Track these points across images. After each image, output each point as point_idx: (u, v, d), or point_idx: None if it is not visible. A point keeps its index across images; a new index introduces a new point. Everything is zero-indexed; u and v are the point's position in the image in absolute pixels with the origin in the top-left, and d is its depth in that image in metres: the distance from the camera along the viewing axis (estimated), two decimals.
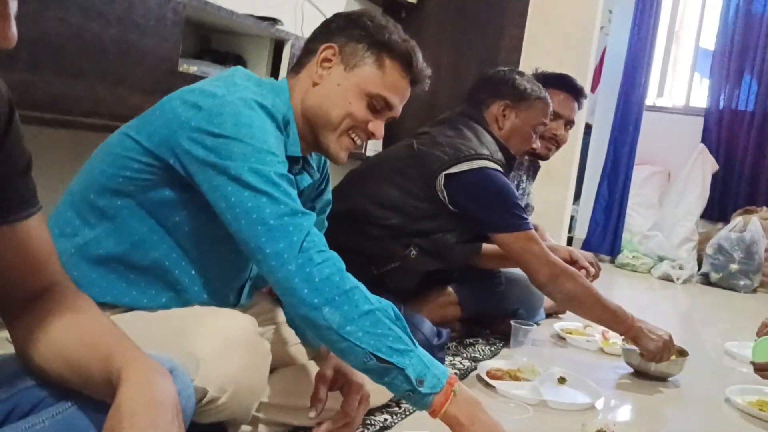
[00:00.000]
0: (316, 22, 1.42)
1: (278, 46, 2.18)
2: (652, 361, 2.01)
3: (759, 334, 2.41)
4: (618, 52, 5.03)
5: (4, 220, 0.84)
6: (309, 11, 2.65)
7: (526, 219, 1.98)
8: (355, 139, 1.33)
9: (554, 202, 3.82)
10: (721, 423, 1.90)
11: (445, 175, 1.93)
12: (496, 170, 1.98)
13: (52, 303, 0.86)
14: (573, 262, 2.13)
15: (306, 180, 1.38)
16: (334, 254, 1.14)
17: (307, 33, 2.37)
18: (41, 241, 0.88)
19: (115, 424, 0.72)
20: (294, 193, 1.16)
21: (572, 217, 5.07)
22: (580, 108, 2.60)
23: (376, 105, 1.31)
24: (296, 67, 1.37)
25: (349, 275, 1.13)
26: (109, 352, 0.78)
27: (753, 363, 2.05)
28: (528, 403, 1.75)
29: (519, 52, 3.50)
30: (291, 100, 1.32)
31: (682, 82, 5.57)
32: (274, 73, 2.18)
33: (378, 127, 1.32)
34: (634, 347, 2.06)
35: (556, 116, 2.44)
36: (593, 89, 5.16)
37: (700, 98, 5.33)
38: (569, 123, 2.54)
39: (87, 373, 0.79)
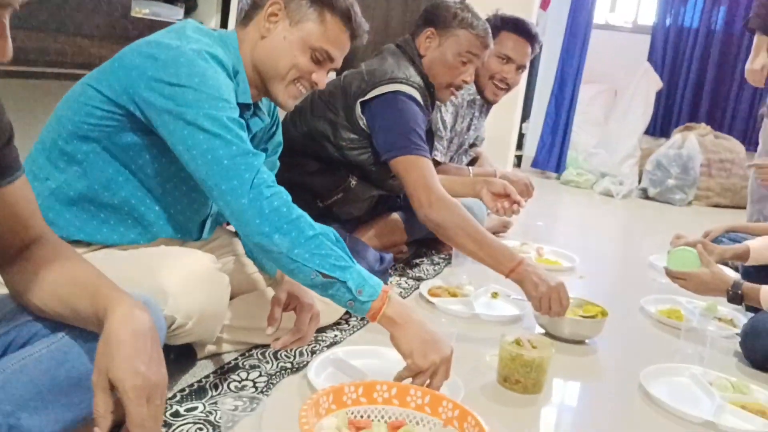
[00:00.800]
0: None
1: None
2: (540, 312, 1.82)
3: (672, 245, 2.67)
4: None
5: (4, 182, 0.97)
6: None
7: (420, 146, 1.96)
8: (301, 88, 1.46)
9: (502, 125, 3.99)
10: (635, 330, 2.16)
11: (361, 102, 2.02)
12: (407, 94, 2.01)
13: (42, 252, 1.02)
14: (506, 195, 2.23)
15: (257, 124, 1.52)
16: (282, 189, 1.30)
17: None
18: (26, 201, 1.02)
19: (106, 352, 0.89)
20: (245, 135, 1.30)
21: (522, 135, 5.27)
22: (533, 53, 2.65)
23: (319, 57, 1.43)
24: (244, 20, 1.47)
25: (295, 206, 1.29)
26: (96, 291, 0.94)
27: (666, 270, 2.19)
28: (461, 317, 1.98)
29: None
30: (240, 51, 1.44)
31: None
32: (224, 14, 2.24)
33: (321, 77, 1.46)
34: None
35: (508, 60, 2.54)
36: (545, 7, 5.24)
37: (649, 15, 5.44)
38: (521, 67, 2.60)
39: (78, 309, 0.95)
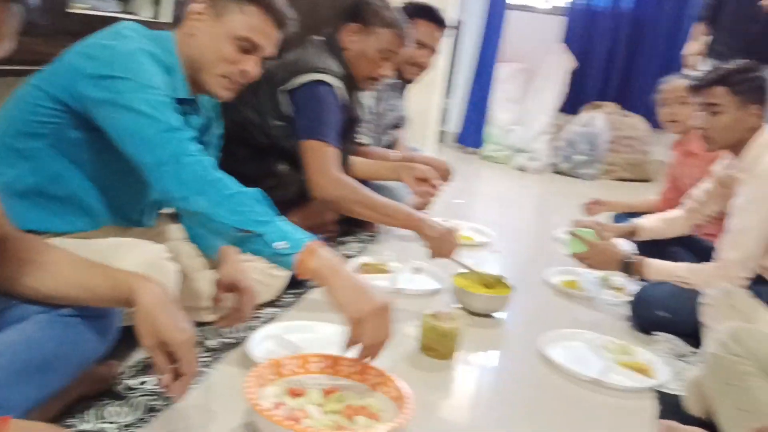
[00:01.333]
0: None
1: None
2: (436, 254, 2.07)
3: (576, 225, 2.95)
4: None
5: None
6: None
7: (328, 134, 2.08)
8: (233, 78, 1.55)
9: (426, 101, 4.19)
10: (539, 300, 2.40)
11: (284, 91, 2.14)
12: (327, 83, 2.12)
13: (26, 245, 1.16)
14: (426, 179, 2.43)
15: (196, 121, 1.63)
16: (205, 157, 1.38)
17: None
18: None
19: (151, 321, 1.12)
20: (174, 116, 1.39)
21: (445, 111, 5.49)
22: (443, 36, 2.88)
23: (245, 46, 1.52)
24: (180, 21, 1.58)
25: (216, 170, 1.37)
26: (113, 274, 1.16)
27: (573, 256, 2.41)
28: (387, 292, 2.17)
29: None
30: (178, 50, 1.54)
31: None
32: (160, 0, 2.31)
33: (249, 66, 1.54)
34: (462, 287, 2.12)
35: (422, 45, 2.73)
36: None
37: None
38: (433, 51, 2.83)
39: (97, 291, 1.15)
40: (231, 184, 1.37)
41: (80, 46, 1.43)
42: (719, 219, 2.53)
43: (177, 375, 1.15)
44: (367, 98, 2.84)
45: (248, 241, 1.35)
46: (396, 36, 2.25)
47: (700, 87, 2.14)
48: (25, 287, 1.14)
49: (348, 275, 1.37)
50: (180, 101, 1.51)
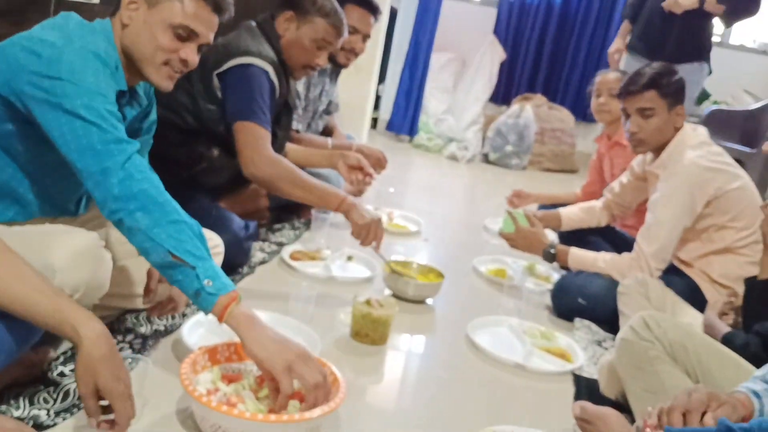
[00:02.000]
0: None
1: None
2: (359, 240, 2.06)
3: (510, 203, 3.07)
4: None
5: None
6: None
7: (259, 115, 2.08)
8: (173, 67, 1.53)
9: (359, 92, 4.22)
10: (468, 288, 2.49)
11: (217, 74, 2.15)
12: (259, 67, 2.13)
13: None
14: (360, 168, 2.48)
15: (133, 111, 1.61)
16: (155, 176, 1.41)
17: None
18: None
19: (91, 368, 1.12)
20: (121, 127, 1.40)
21: (378, 98, 5.53)
22: (375, 21, 2.90)
23: (182, 34, 1.48)
24: (114, 10, 1.54)
25: (165, 192, 1.38)
26: (60, 308, 1.14)
27: (500, 232, 2.54)
28: (320, 279, 2.21)
29: None
30: (115, 41, 1.51)
31: None
32: None
33: (189, 53, 1.51)
34: (396, 274, 2.18)
35: (355, 30, 2.74)
36: None
37: None
38: (366, 36, 2.85)
39: (38, 317, 1.14)
40: (177, 209, 1.38)
41: (23, 40, 1.37)
42: (639, 211, 2.67)
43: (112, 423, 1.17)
44: (297, 84, 2.85)
45: (178, 269, 1.34)
46: (332, 26, 2.25)
47: (631, 93, 2.20)
48: None
49: (266, 327, 1.36)
50: (118, 93, 1.48)
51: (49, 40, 1.36)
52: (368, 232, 2.04)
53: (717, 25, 3.83)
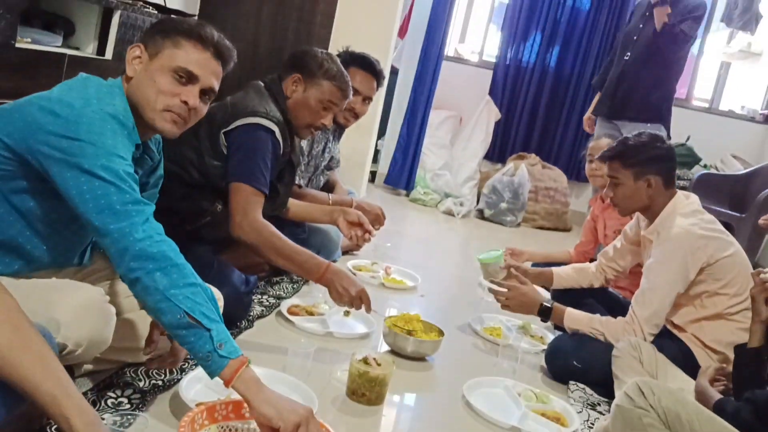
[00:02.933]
0: None
1: (107, 13, 2.31)
2: (344, 305, 2.12)
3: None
4: (425, 2, 5.49)
5: None
6: None
7: (258, 178, 2.12)
8: (175, 111, 1.55)
9: (359, 147, 4.31)
10: (464, 346, 2.50)
11: (224, 132, 2.20)
12: (265, 127, 2.17)
13: None
14: (360, 224, 2.53)
15: (147, 162, 1.66)
16: (171, 240, 1.44)
17: None
18: None
19: None
20: (137, 189, 1.44)
21: (378, 152, 5.62)
22: (379, 86, 3.00)
23: (182, 77, 1.53)
24: (120, 58, 1.62)
25: (181, 256, 1.42)
26: (54, 394, 1.14)
27: (491, 290, 2.54)
28: (317, 335, 2.22)
29: (335, 5, 3.82)
30: (126, 97, 1.55)
31: (479, 33, 6.19)
32: (103, 37, 2.32)
33: (189, 96, 1.53)
34: (393, 330, 2.21)
35: (356, 92, 2.83)
36: (402, 35, 5.62)
37: (494, 50, 5.96)
38: (367, 99, 2.95)
39: (36, 397, 1.14)
40: (192, 273, 1.41)
41: (42, 100, 1.41)
42: (633, 273, 2.71)
43: None
44: (302, 142, 2.91)
45: (191, 330, 1.36)
46: (338, 89, 2.32)
47: (603, 161, 2.37)
48: None
49: (274, 392, 1.41)
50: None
51: (67, 101, 1.41)
52: (351, 304, 2.08)
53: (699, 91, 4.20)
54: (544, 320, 2.43)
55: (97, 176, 1.37)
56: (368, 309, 2.12)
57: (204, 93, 1.59)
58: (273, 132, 2.21)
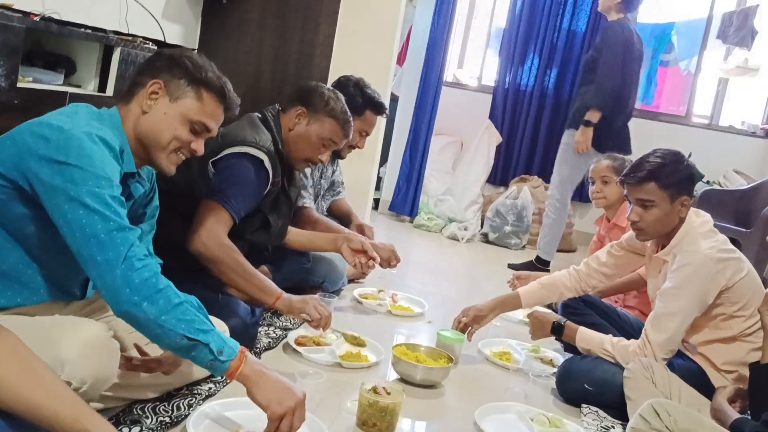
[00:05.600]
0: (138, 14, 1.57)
1: (107, 51, 2.34)
2: (316, 327, 2.19)
3: (512, 287, 3.06)
4: (423, 29, 5.54)
5: None
6: (132, 7, 2.79)
7: (230, 202, 2.10)
8: (181, 156, 1.66)
9: (361, 175, 4.31)
10: (474, 371, 2.47)
11: (212, 162, 2.20)
12: (253, 156, 2.17)
13: None
14: (363, 252, 2.53)
15: (139, 190, 1.68)
16: (152, 261, 1.46)
17: (132, 28, 2.55)
18: None
19: None
20: (124, 213, 1.44)
21: (380, 179, 5.63)
22: (383, 116, 3.10)
23: (197, 128, 1.63)
24: (127, 97, 1.62)
25: (163, 277, 1.44)
26: (75, 416, 1.15)
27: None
28: (326, 365, 2.20)
29: (333, 36, 3.86)
30: (123, 125, 1.59)
31: (477, 58, 6.24)
32: (103, 74, 2.35)
33: (199, 145, 1.66)
34: (401, 358, 2.19)
35: (366, 134, 2.96)
36: (401, 62, 5.67)
37: (492, 75, 6.00)
38: (367, 134, 3.01)
39: (55, 425, 1.14)
40: (175, 291, 1.44)
41: (33, 125, 1.44)
42: (643, 292, 2.68)
43: None
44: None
45: (193, 349, 1.43)
46: (340, 128, 2.34)
47: (630, 183, 2.16)
48: None
49: (271, 376, 1.52)
50: (127, 174, 1.56)
51: (56, 125, 1.43)
52: (318, 321, 2.16)
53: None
54: (558, 338, 2.40)
55: (82, 204, 1.38)
56: (324, 327, 2.18)
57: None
58: (261, 161, 2.20)
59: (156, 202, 1.83)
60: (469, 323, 2.47)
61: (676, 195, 2.14)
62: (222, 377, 1.51)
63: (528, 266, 4.32)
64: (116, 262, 1.38)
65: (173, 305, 1.41)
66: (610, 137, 4.12)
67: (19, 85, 1.88)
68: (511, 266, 4.38)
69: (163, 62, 1.63)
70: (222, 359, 1.45)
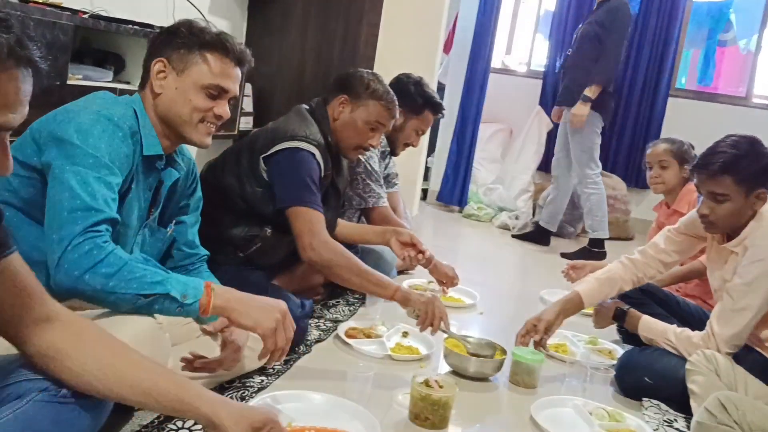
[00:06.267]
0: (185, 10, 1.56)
1: None
2: (425, 325, 2.09)
3: (568, 277, 2.98)
4: (469, 16, 5.46)
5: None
6: (180, 3, 2.81)
7: (310, 198, 2.11)
8: (209, 125, 1.60)
9: (410, 167, 4.29)
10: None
11: (263, 157, 2.19)
12: (305, 150, 2.16)
13: (80, 326, 1.16)
14: (412, 245, 2.50)
15: (172, 175, 1.65)
16: (102, 238, 1.35)
17: None
18: (27, 273, 1.14)
19: None
20: (105, 194, 1.38)
21: (428, 169, 5.58)
22: (440, 117, 3.10)
23: (213, 93, 1.57)
24: (142, 84, 1.62)
25: (107, 247, 1.34)
26: (189, 401, 1.16)
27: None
28: (376, 357, 2.18)
29: (378, 26, 3.82)
30: (146, 111, 1.57)
31: (526, 43, 6.12)
32: None
33: (221, 108, 1.59)
34: (454, 351, 2.14)
35: (423, 133, 3.02)
36: (447, 50, 5.60)
37: (542, 59, 5.88)
38: (423, 132, 3.04)
39: (157, 400, 1.15)
40: (120, 256, 1.36)
41: (48, 114, 1.46)
42: (703, 281, 2.57)
43: None
44: (374, 164, 2.95)
45: (155, 302, 1.37)
46: (385, 109, 2.30)
47: (703, 174, 2.03)
48: (64, 369, 1.14)
49: (245, 299, 1.47)
50: (152, 157, 1.55)
51: (68, 107, 1.45)
52: (432, 310, 2.07)
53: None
54: (620, 325, 2.31)
55: (61, 181, 1.37)
56: (445, 323, 2.09)
57: (229, 100, 1.62)
58: (313, 155, 2.19)
59: (199, 193, 1.82)
60: (543, 337, 2.28)
61: (752, 188, 2.00)
62: (198, 317, 1.46)
63: (582, 254, 4.23)
64: (66, 241, 1.32)
65: (117, 268, 1.33)
66: (610, 103, 4.38)
67: (69, 82, 1.90)
68: (564, 255, 4.29)
69: (162, 38, 1.60)
70: (189, 302, 1.39)
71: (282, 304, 1.50)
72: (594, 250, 4.30)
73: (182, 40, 1.56)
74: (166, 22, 2.61)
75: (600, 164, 4.47)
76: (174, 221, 1.76)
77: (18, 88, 0.90)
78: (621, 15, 4.17)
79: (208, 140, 1.61)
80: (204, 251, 1.85)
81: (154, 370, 1.17)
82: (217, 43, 1.57)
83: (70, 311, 1.19)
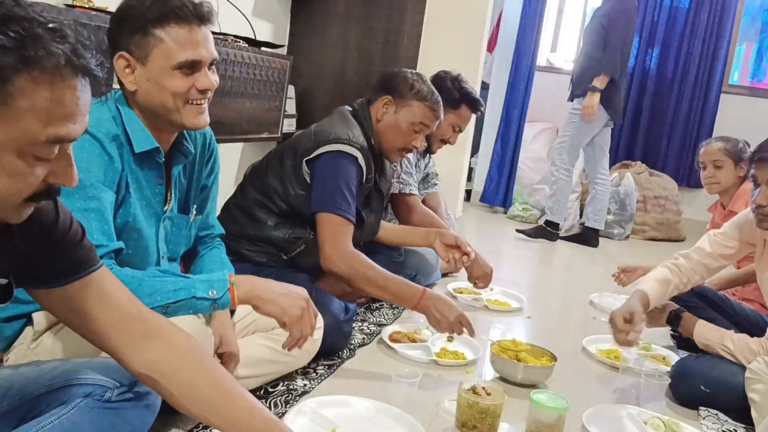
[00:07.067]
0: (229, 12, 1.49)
1: None
2: (444, 332, 2.06)
3: (619, 281, 2.90)
4: (513, 14, 5.37)
5: (85, 273, 1.08)
6: (223, 5, 2.81)
7: (341, 205, 2.08)
8: (196, 104, 1.44)
9: (453, 165, 4.23)
10: (579, 370, 2.33)
11: (306, 160, 2.16)
12: (348, 154, 2.13)
13: (180, 347, 1.14)
14: (457, 247, 2.44)
15: (181, 159, 1.57)
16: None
17: (223, 27, 2.57)
18: (116, 286, 1.13)
19: None
20: (97, 227, 1.33)
21: (471, 170, 5.51)
22: (478, 114, 3.06)
23: (187, 68, 1.40)
24: (120, 82, 1.47)
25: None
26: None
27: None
28: (421, 362, 2.13)
29: (421, 25, 3.78)
30: (131, 106, 1.46)
31: (572, 39, 6.00)
32: None
33: (203, 80, 1.43)
34: (501, 356, 2.07)
35: (460, 130, 2.96)
36: (491, 49, 5.52)
37: None
38: (461, 129, 2.99)
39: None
40: (133, 274, 1.34)
41: None
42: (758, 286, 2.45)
43: None
44: (410, 155, 2.92)
45: (185, 307, 1.35)
46: (430, 110, 2.26)
47: (765, 160, 1.92)
48: (165, 393, 1.13)
49: (269, 287, 1.44)
50: (148, 152, 1.46)
51: None
52: (450, 330, 2.03)
53: None
54: (674, 329, 2.21)
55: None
56: (471, 333, 2.03)
57: (209, 66, 1.46)
58: (356, 158, 2.16)
59: (216, 166, 1.74)
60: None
61: None
62: (227, 308, 1.42)
63: (538, 231, 4.56)
64: None
65: (136, 285, 1.28)
66: (617, 98, 4.42)
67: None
68: (519, 230, 4.59)
69: (114, 29, 1.44)
70: (219, 296, 1.37)
71: (304, 291, 1.49)
72: (549, 230, 4.56)
73: (131, 24, 1.39)
74: (213, 25, 2.62)
75: (575, 160, 4.58)
76: (195, 206, 1.69)
77: (77, 98, 0.88)
78: (625, 9, 4.32)
79: (202, 120, 1.47)
80: (219, 229, 1.81)
81: (249, 410, 1.13)
82: (168, 12, 1.38)
83: (177, 327, 1.16)
